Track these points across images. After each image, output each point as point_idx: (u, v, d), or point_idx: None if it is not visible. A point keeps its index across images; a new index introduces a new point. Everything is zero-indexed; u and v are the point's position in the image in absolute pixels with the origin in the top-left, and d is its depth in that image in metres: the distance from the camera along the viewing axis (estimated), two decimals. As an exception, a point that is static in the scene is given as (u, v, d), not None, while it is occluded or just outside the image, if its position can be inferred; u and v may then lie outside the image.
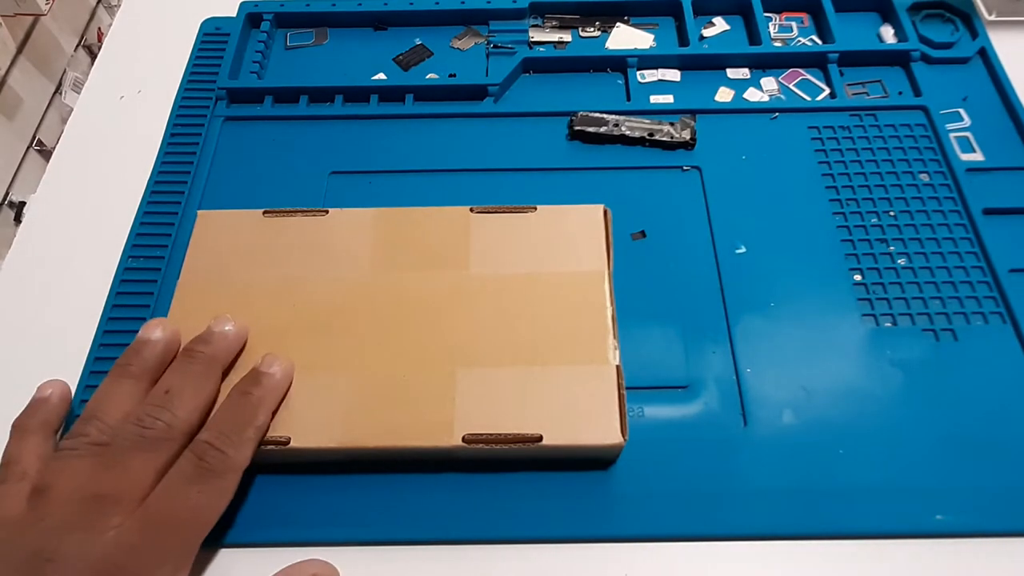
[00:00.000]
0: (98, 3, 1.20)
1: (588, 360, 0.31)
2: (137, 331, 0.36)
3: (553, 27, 0.48)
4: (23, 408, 0.31)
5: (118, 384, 0.30)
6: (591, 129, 0.42)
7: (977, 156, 0.41)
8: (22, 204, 1.00)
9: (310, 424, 0.30)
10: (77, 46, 1.15)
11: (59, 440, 0.30)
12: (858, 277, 0.37)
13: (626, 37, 0.47)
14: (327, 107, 0.44)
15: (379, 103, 0.44)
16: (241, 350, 0.32)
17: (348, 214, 0.36)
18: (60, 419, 0.31)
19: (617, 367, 0.31)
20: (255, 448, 0.29)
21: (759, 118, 0.43)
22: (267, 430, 0.30)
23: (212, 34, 0.48)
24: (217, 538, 0.30)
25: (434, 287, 0.34)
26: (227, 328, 0.31)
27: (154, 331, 0.31)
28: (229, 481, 0.28)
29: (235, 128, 0.44)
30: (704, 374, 0.34)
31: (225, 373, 0.31)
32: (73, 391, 0.34)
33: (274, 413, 0.30)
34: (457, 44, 0.47)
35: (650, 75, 0.45)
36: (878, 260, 0.37)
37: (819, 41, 0.46)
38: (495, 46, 0.47)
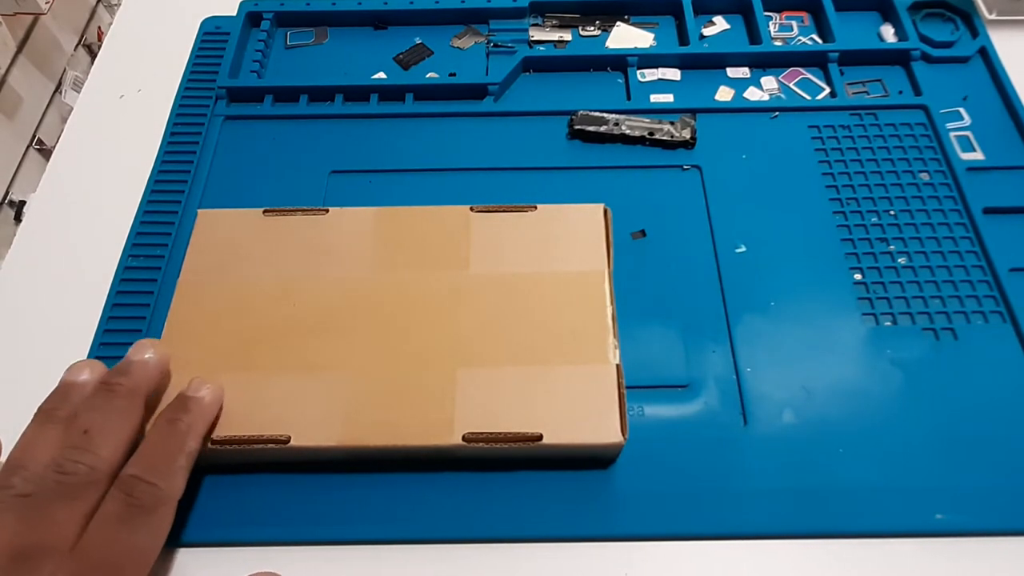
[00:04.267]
0: (98, 2, 1.20)
1: (588, 359, 0.31)
2: (138, 330, 0.36)
3: (553, 26, 0.48)
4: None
5: (42, 430, 0.28)
6: (591, 128, 0.42)
7: (977, 155, 0.41)
8: (22, 203, 1.00)
9: (310, 423, 0.30)
10: (77, 45, 1.15)
11: None
12: (858, 276, 0.37)
13: (626, 36, 0.47)
14: (327, 106, 0.44)
15: (379, 102, 0.44)
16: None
17: (348, 213, 0.36)
18: None
19: (617, 366, 0.31)
20: (187, 477, 0.28)
21: (759, 117, 0.43)
22: (196, 457, 0.28)
23: (212, 33, 0.48)
24: (215, 537, 0.31)
25: (434, 286, 0.34)
26: (147, 356, 0.30)
27: (81, 373, 0.30)
28: (162, 515, 0.26)
29: (235, 127, 0.44)
30: (704, 373, 0.34)
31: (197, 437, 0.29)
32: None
33: (206, 440, 0.29)
34: (457, 43, 0.47)
35: (650, 74, 0.45)
36: (878, 259, 0.37)
37: (819, 40, 0.46)
38: (495, 45, 0.47)
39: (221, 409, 0.30)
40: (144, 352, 0.30)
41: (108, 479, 0.27)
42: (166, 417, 0.29)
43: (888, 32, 0.46)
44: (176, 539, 0.30)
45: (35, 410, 0.29)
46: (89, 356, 0.35)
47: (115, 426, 0.28)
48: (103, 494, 0.26)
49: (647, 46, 0.46)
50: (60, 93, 1.10)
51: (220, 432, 0.30)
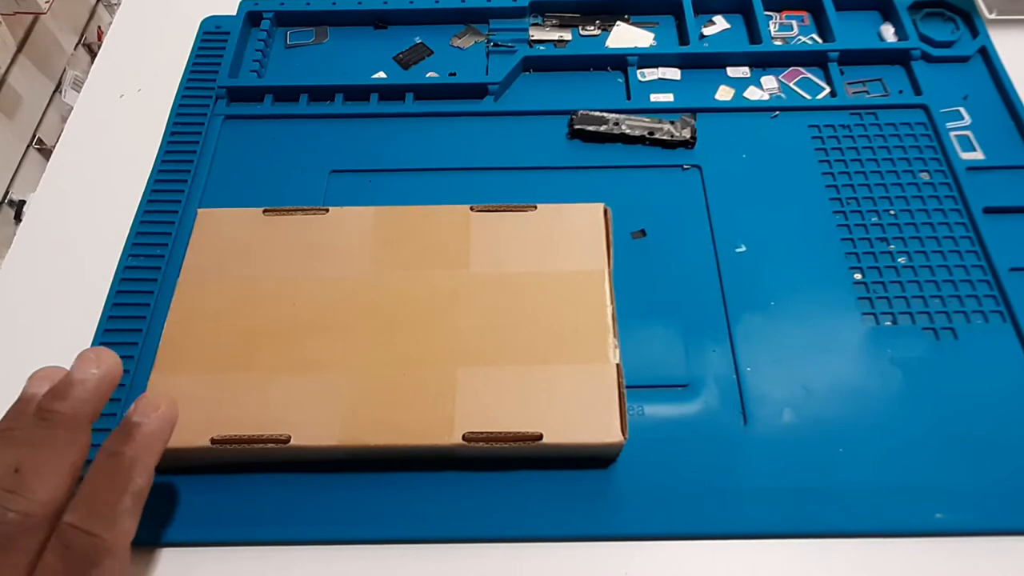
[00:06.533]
0: (98, 1, 1.20)
1: (588, 359, 0.31)
2: (138, 330, 0.36)
3: (553, 25, 0.48)
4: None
5: None
6: (591, 128, 0.42)
7: (977, 155, 0.41)
8: (22, 203, 1.00)
9: (310, 422, 0.30)
10: (77, 44, 1.15)
11: None
12: (858, 276, 0.37)
13: (626, 35, 0.47)
14: (327, 106, 0.44)
15: (379, 102, 0.44)
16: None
17: (348, 213, 0.36)
18: None
19: (617, 366, 0.31)
20: (136, 518, 0.24)
21: (759, 117, 0.43)
22: (148, 492, 0.25)
23: (212, 33, 0.48)
24: (216, 536, 0.31)
25: (434, 286, 0.34)
26: (91, 373, 0.25)
27: (41, 385, 0.26)
28: (109, 568, 0.23)
29: (235, 127, 0.44)
30: (704, 373, 0.34)
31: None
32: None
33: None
34: (457, 42, 0.47)
35: (650, 73, 0.45)
36: (878, 259, 0.37)
37: (819, 40, 0.46)
38: (495, 44, 0.47)
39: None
40: (87, 368, 0.25)
41: (48, 521, 0.24)
42: (107, 450, 0.25)
43: (888, 32, 0.46)
44: (176, 539, 0.31)
45: None
46: (89, 356, 0.35)
47: (51, 463, 0.24)
48: (44, 538, 0.24)
49: (647, 46, 0.46)
50: (60, 93, 1.10)
51: (220, 432, 0.30)
